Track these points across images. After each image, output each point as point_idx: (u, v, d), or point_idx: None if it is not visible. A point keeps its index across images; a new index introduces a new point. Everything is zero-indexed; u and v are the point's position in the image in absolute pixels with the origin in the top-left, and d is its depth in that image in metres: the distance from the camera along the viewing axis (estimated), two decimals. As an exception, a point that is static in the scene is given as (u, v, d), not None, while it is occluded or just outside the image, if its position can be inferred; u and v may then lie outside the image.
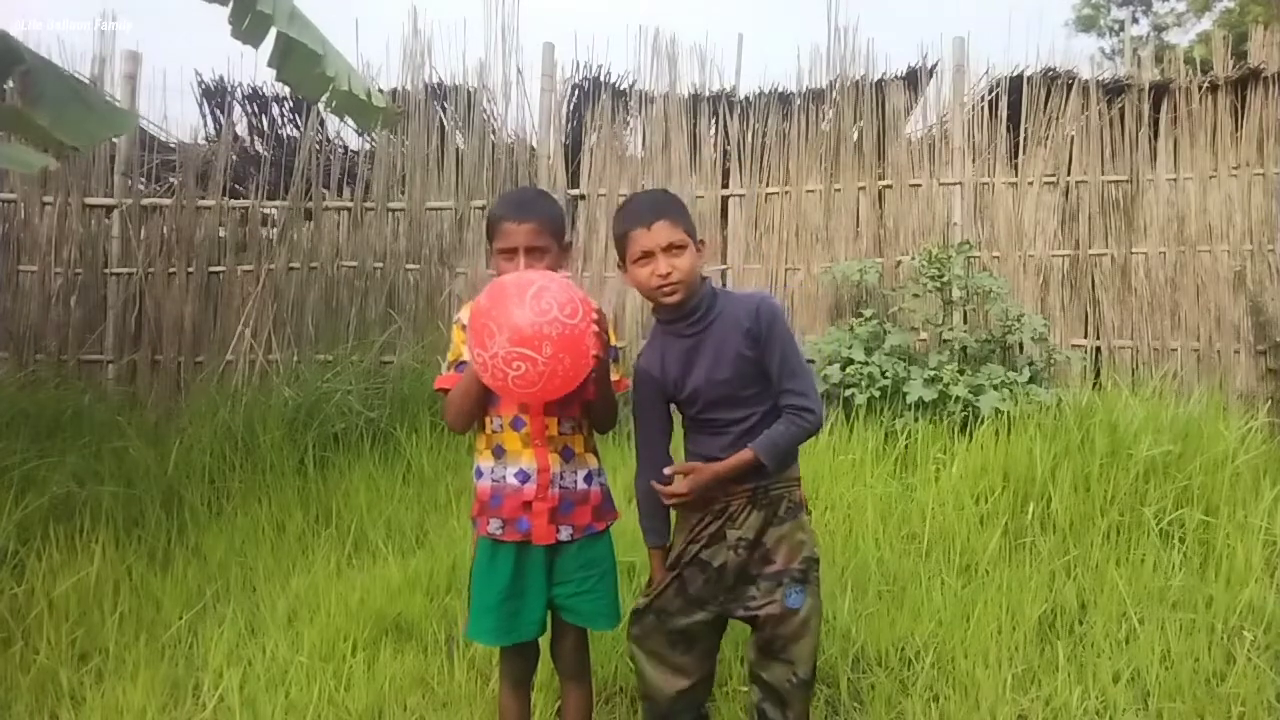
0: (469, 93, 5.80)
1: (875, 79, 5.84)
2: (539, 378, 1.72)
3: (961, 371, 4.65)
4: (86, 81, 5.32)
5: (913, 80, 5.88)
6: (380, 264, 5.63)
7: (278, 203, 5.69)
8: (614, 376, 2.00)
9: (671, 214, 1.88)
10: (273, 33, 3.24)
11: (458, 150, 5.80)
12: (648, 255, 1.87)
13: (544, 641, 2.09)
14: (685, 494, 1.86)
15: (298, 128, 5.83)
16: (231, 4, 3.23)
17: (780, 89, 5.93)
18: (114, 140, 5.45)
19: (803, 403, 1.91)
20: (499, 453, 1.96)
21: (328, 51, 3.31)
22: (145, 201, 5.57)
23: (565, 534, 1.95)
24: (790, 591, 1.91)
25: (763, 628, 1.94)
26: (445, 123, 5.83)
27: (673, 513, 2.05)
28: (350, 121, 5.00)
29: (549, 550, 1.95)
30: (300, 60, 3.29)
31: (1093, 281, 5.72)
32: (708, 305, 1.95)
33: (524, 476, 1.93)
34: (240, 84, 5.76)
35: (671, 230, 1.86)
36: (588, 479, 2.00)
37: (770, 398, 1.93)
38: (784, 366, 1.90)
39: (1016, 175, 5.81)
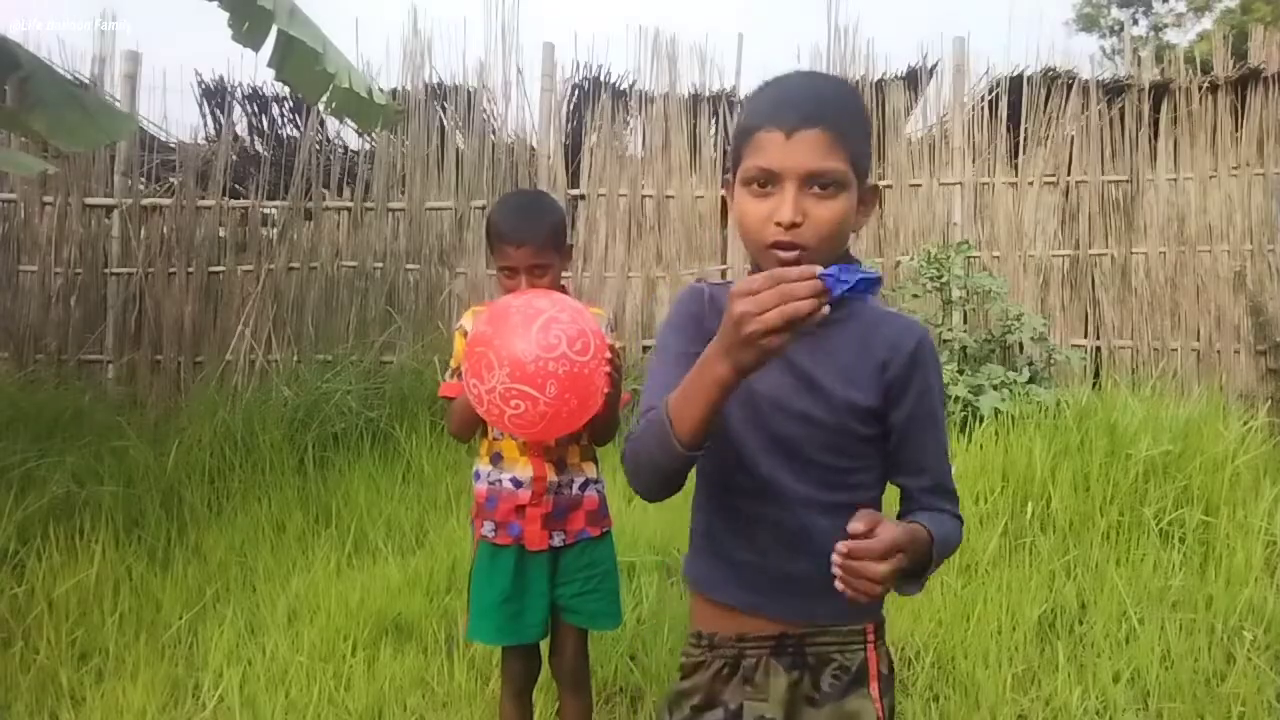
0: (469, 93, 5.80)
1: (875, 79, 5.84)
2: (539, 419, 1.58)
3: (961, 371, 4.65)
4: (86, 82, 5.32)
5: (913, 80, 5.88)
6: (380, 264, 5.63)
7: (278, 203, 5.69)
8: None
9: (835, 123, 1.09)
10: (273, 34, 3.24)
11: (458, 150, 5.80)
12: (770, 180, 1.09)
13: (544, 648, 2.09)
14: (902, 548, 1.01)
15: (298, 128, 5.83)
16: (231, 6, 3.22)
17: (780, 89, 5.92)
18: (113, 142, 5.45)
19: (960, 514, 1.22)
20: (496, 459, 1.96)
21: (327, 50, 3.30)
22: (145, 201, 5.57)
23: (558, 540, 1.94)
24: None
25: None
26: (445, 123, 5.83)
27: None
28: (351, 122, 5.00)
29: (550, 553, 1.95)
30: (300, 59, 3.29)
31: (1093, 281, 5.73)
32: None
33: (518, 483, 1.93)
34: (240, 84, 5.76)
35: (824, 151, 1.07)
36: (583, 486, 1.98)
37: (859, 495, 1.16)
38: (941, 451, 1.20)
39: (1016, 175, 5.81)
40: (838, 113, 1.11)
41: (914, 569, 1.08)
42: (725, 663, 1.20)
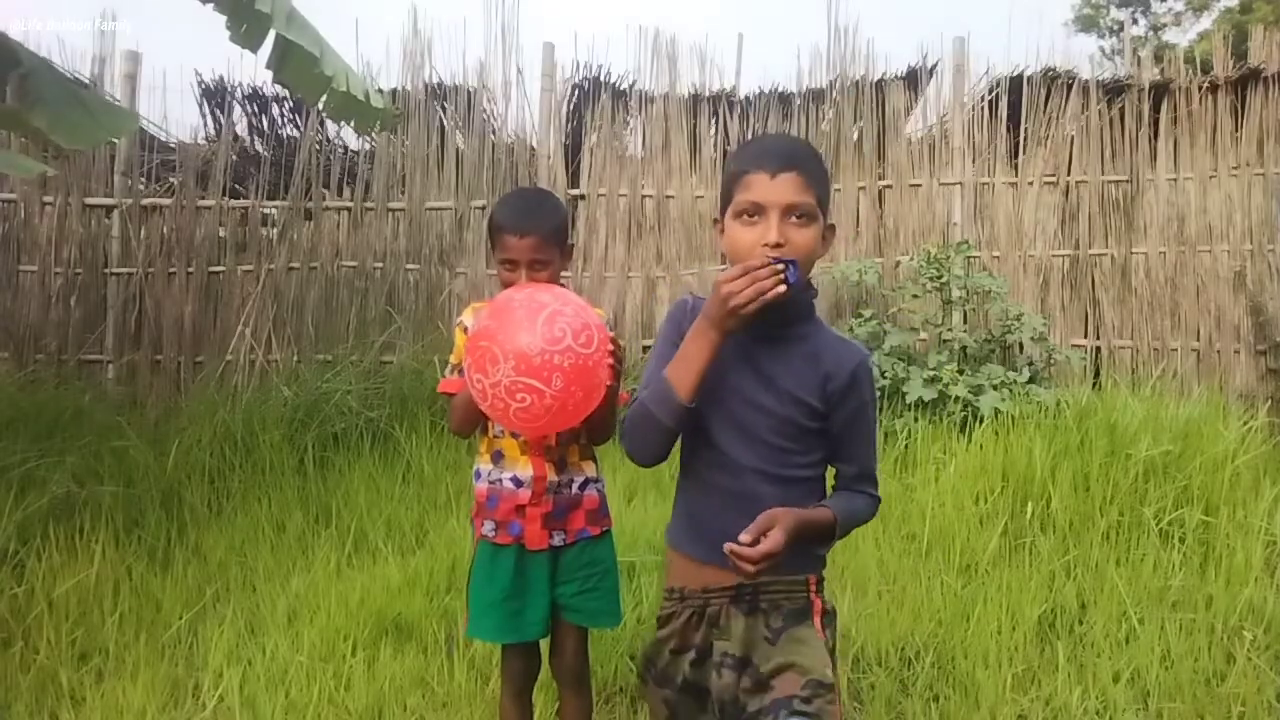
0: (469, 93, 5.80)
1: (875, 79, 5.84)
2: (545, 412, 1.58)
3: (961, 371, 4.65)
4: (86, 82, 5.32)
5: (913, 80, 5.88)
6: (380, 264, 5.63)
7: (278, 203, 5.69)
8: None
9: (807, 169, 1.41)
10: (271, 35, 3.24)
11: (458, 150, 5.80)
12: (758, 211, 1.39)
13: (544, 647, 2.09)
14: (776, 552, 1.30)
15: (298, 128, 5.84)
16: (229, 9, 3.22)
17: (780, 89, 5.93)
18: (114, 140, 5.45)
19: (877, 494, 1.55)
20: (497, 457, 1.96)
21: (325, 52, 3.30)
22: (145, 201, 5.57)
23: (558, 539, 1.94)
24: None
25: None
26: (445, 123, 5.83)
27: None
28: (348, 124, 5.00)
29: (550, 552, 1.95)
30: (298, 61, 3.29)
31: (1093, 281, 5.73)
32: (800, 316, 1.50)
33: (518, 482, 1.93)
34: (240, 84, 5.76)
35: (800, 189, 1.38)
36: (583, 485, 1.98)
37: (799, 472, 1.47)
38: (869, 447, 1.53)
39: (1016, 175, 5.81)
40: (808, 162, 1.43)
41: (818, 539, 1.43)
42: (694, 611, 1.47)
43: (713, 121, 5.97)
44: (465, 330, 1.95)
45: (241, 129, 5.93)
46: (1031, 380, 4.58)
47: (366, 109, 3.56)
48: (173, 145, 5.77)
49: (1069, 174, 5.79)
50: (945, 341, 4.98)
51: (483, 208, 5.69)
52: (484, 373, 1.58)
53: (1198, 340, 5.58)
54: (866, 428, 1.51)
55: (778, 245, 1.37)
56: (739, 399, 1.45)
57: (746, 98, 5.95)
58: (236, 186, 5.84)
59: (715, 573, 1.43)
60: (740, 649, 1.44)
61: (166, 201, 5.58)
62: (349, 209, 5.71)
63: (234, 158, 5.77)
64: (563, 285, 1.97)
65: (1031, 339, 4.89)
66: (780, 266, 1.32)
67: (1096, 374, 5.40)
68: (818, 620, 1.46)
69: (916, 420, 4.34)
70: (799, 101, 5.90)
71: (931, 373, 4.61)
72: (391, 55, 8.10)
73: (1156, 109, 5.75)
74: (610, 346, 1.68)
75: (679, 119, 5.86)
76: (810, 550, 1.45)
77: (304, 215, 5.71)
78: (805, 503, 1.44)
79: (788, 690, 1.38)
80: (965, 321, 5.28)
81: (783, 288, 1.32)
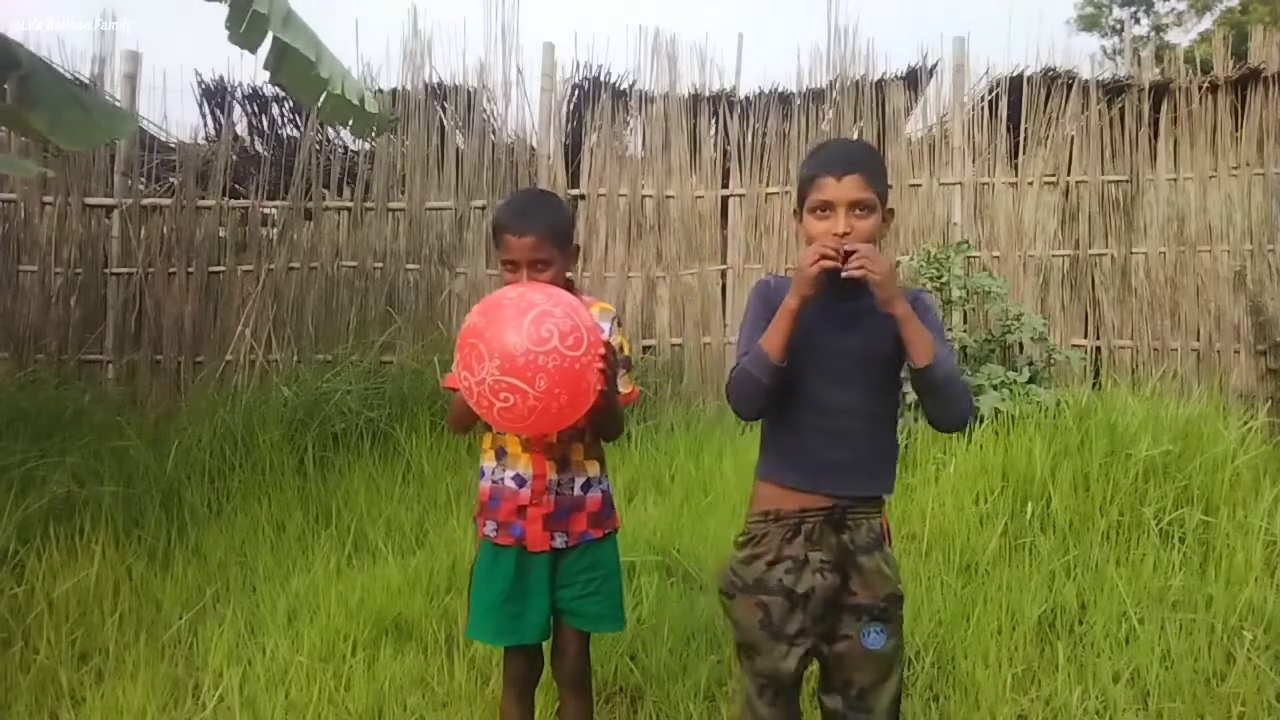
0: (469, 93, 5.80)
1: (875, 79, 5.84)
2: (529, 413, 1.59)
3: (961, 371, 4.65)
4: (86, 82, 5.32)
5: (913, 80, 5.88)
6: (380, 264, 5.63)
7: (278, 203, 5.69)
8: (625, 389, 1.95)
9: (868, 170, 1.71)
10: (269, 37, 3.23)
11: (458, 150, 5.80)
12: (828, 208, 1.70)
13: (545, 648, 2.09)
14: (882, 267, 1.58)
15: (298, 128, 5.84)
16: (229, 8, 3.22)
17: (780, 89, 5.93)
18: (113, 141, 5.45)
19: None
20: (500, 454, 1.96)
21: (322, 55, 3.30)
22: (145, 201, 5.57)
23: (560, 541, 1.93)
24: (869, 630, 1.70)
25: (836, 670, 1.73)
26: (445, 123, 5.84)
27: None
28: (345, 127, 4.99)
29: (551, 554, 1.94)
30: (294, 64, 3.29)
31: (1093, 281, 5.73)
32: None
33: (520, 480, 1.92)
34: (240, 84, 5.76)
35: (862, 188, 1.69)
36: (585, 486, 1.97)
37: (881, 409, 1.76)
38: (945, 347, 1.74)
39: (1016, 175, 5.81)
40: (868, 164, 1.73)
41: (919, 342, 1.63)
42: (788, 529, 1.71)
43: (713, 121, 5.98)
44: None
45: (241, 129, 5.93)
46: (1031, 380, 4.58)
47: (362, 113, 3.55)
48: (173, 145, 5.77)
49: (1069, 174, 5.79)
50: (945, 342, 4.98)
51: (483, 208, 5.69)
52: (470, 370, 1.60)
53: (1198, 340, 5.58)
54: (938, 334, 1.73)
55: (845, 234, 1.67)
56: (828, 348, 1.73)
57: (746, 98, 5.95)
58: (236, 186, 5.83)
59: (805, 497, 1.71)
60: (834, 557, 1.70)
61: (166, 201, 5.58)
62: (349, 209, 5.71)
63: (234, 158, 5.77)
64: (570, 283, 1.95)
65: (1031, 339, 4.88)
66: (841, 243, 1.62)
67: (1096, 374, 5.39)
68: (888, 541, 1.77)
69: (916, 420, 4.34)
70: (799, 101, 5.90)
71: (931, 373, 4.60)
72: (391, 55, 8.13)
73: (1156, 109, 5.75)
74: (602, 350, 1.67)
75: (679, 119, 5.86)
76: (933, 371, 1.65)
77: (304, 215, 5.71)
78: (884, 439, 1.77)
79: (868, 599, 1.70)
80: (965, 321, 5.28)
81: (838, 262, 1.59)
